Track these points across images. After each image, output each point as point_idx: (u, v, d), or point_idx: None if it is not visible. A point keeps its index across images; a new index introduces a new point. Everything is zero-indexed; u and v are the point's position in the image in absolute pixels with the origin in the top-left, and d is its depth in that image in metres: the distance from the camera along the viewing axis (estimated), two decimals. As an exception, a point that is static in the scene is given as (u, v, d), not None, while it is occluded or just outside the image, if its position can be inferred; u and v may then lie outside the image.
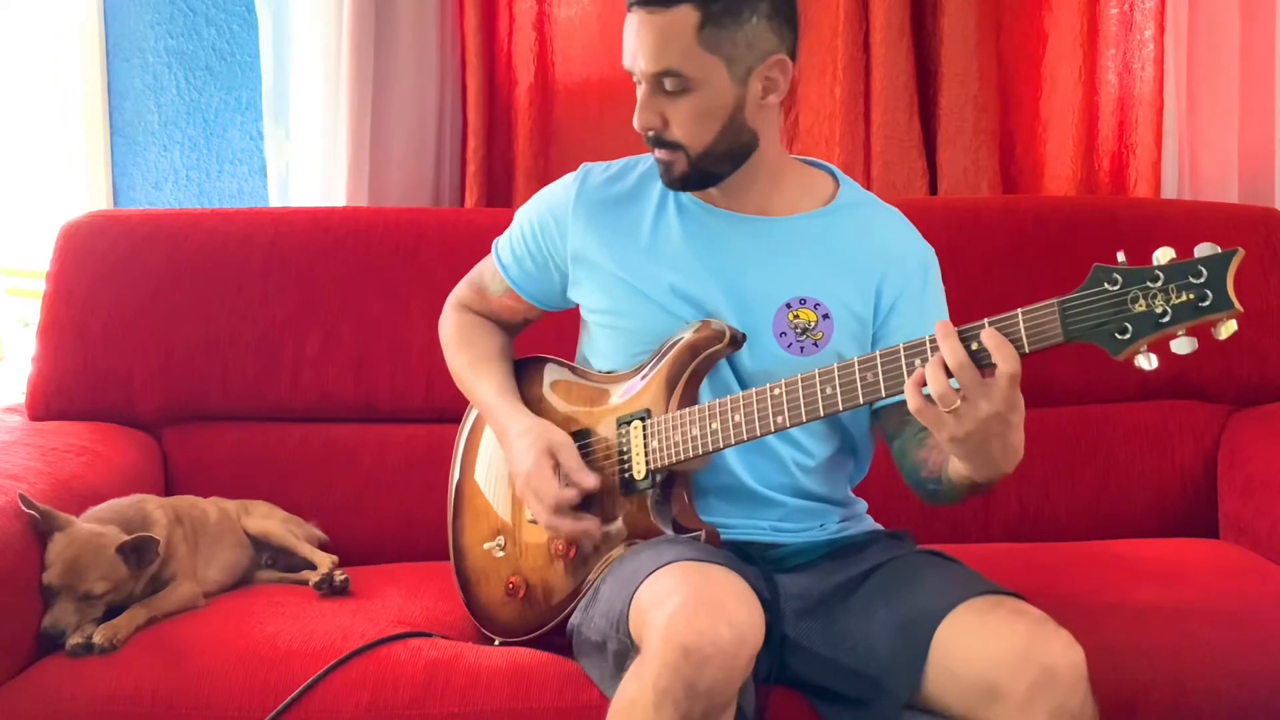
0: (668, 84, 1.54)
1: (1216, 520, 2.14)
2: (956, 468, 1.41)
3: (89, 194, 2.66)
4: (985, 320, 1.33)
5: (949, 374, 1.32)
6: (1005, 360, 1.29)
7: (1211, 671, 1.60)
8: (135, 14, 2.63)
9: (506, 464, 1.72)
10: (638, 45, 1.54)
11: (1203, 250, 1.24)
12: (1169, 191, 2.47)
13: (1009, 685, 1.34)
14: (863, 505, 1.76)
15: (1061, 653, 1.35)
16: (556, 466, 1.61)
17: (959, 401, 1.31)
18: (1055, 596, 1.62)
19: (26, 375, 2.25)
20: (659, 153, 1.61)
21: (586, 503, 1.62)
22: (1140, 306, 1.25)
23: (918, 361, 1.37)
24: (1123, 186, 2.54)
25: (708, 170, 1.61)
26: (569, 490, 1.59)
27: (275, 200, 2.56)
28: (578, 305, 1.76)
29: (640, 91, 1.57)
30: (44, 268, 2.27)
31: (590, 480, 1.60)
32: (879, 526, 1.75)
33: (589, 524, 1.60)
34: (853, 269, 1.64)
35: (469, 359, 1.80)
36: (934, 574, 1.54)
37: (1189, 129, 2.45)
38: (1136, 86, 2.53)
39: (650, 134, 1.59)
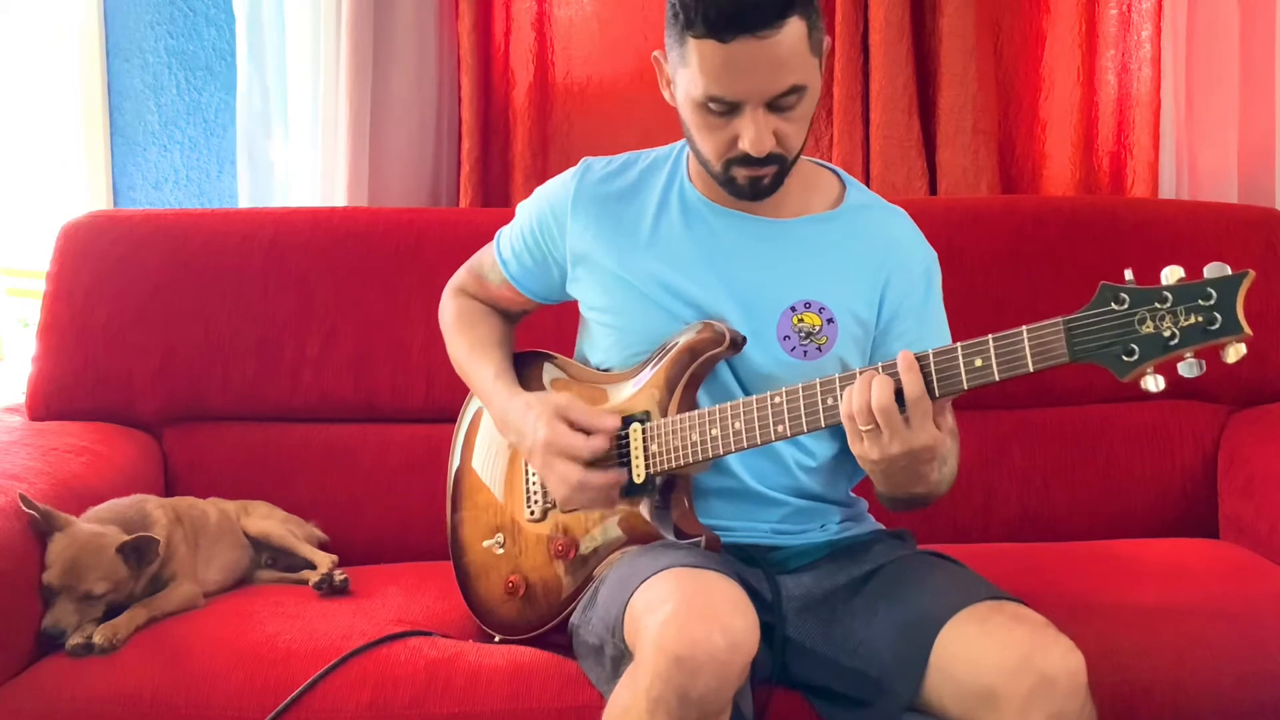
0: (789, 100, 1.48)
1: (1216, 520, 2.14)
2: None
3: (89, 194, 2.66)
4: (990, 337, 1.33)
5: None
6: (909, 385, 1.36)
7: (1211, 671, 1.60)
8: (135, 14, 2.63)
9: (507, 452, 1.72)
10: (753, 72, 1.45)
11: (1212, 271, 1.23)
12: (1167, 191, 2.47)
13: (1007, 691, 1.34)
14: (863, 504, 1.76)
15: (1060, 660, 1.34)
16: (570, 426, 1.59)
17: (871, 425, 1.38)
18: (1055, 597, 1.62)
19: (26, 375, 2.25)
20: (761, 170, 1.53)
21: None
22: (1148, 328, 1.25)
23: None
24: (1121, 187, 2.54)
25: (788, 173, 1.57)
26: (597, 441, 1.57)
27: (245, 201, 2.56)
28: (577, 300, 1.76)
29: (750, 115, 1.47)
30: (44, 268, 2.27)
31: (611, 420, 1.58)
32: (880, 526, 1.74)
33: (618, 473, 1.58)
34: (858, 273, 1.63)
35: (468, 343, 1.79)
36: (936, 577, 1.54)
37: (1187, 129, 2.44)
38: (1135, 87, 2.53)
39: (758, 157, 1.50)
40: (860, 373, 1.41)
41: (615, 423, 1.58)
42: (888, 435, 1.37)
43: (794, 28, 1.45)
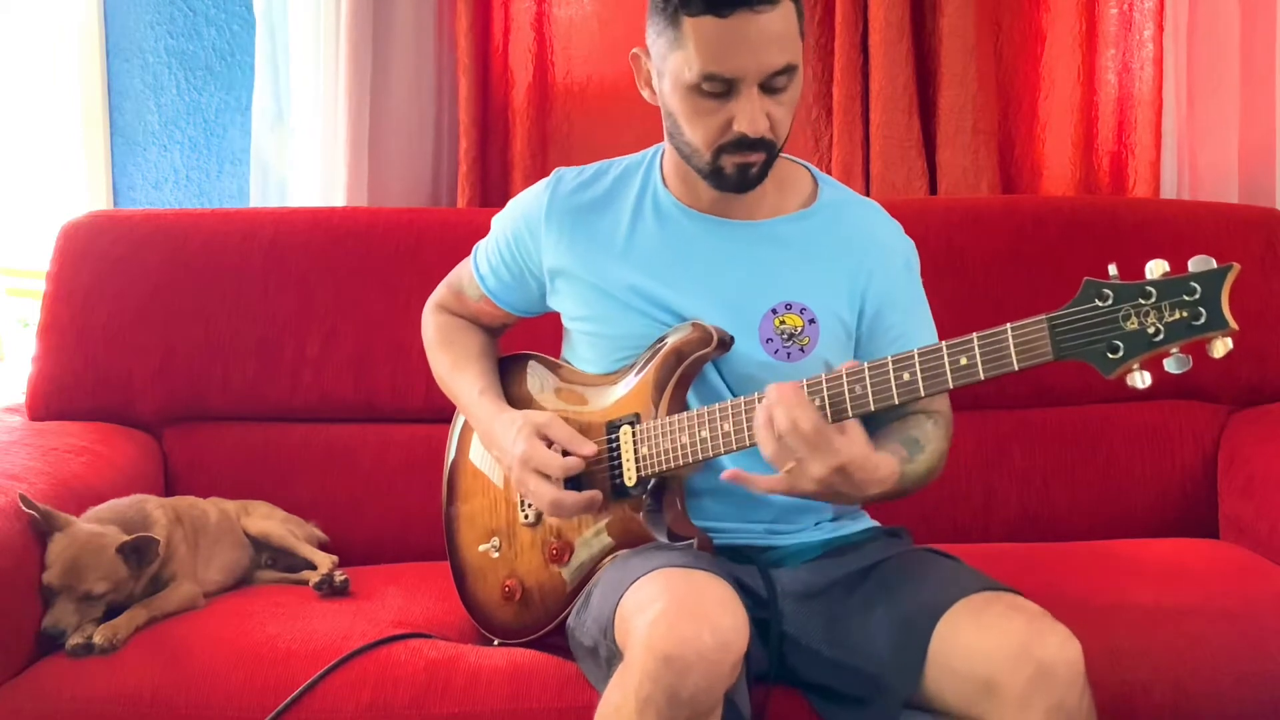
0: (780, 80, 1.48)
1: (1216, 520, 2.14)
2: None
3: (89, 194, 2.66)
4: (975, 335, 1.32)
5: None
6: (802, 419, 1.36)
7: (1211, 671, 1.60)
8: (135, 14, 2.63)
9: (497, 463, 1.71)
10: (750, 47, 1.45)
11: (1197, 264, 1.22)
12: (1168, 191, 2.47)
13: (1006, 681, 1.34)
14: (856, 500, 1.75)
15: (1059, 648, 1.34)
16: (549, 444, 1.59)
17: (792, 462, 1.37)
18: (1055, 596, 1.62)
19: (26, 375, 2.25)
20: (752, 155, 1.52)
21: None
22: (1132, 324, 1.24)
23: (905, 374, 1.36)
24: (1122, 187, 2.54)
25: (773, 164, 1.57)
26: (572, 459, 1.56)
27: (257, 200, 2.56)
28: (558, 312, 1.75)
29: (745, 95, 1.47)
30: (44, 268, 2.27)
31: (589, 447, 1.57)
32: (875, 523, 1.74)
33: (594, 494, 1.57)
34: (838, 271, 1.62)
35: (450, 360, 1.79)
36: (933, 571, 1.54)
37: (1188, 129, 2.45)
38: (1135, 86, 2.53)
39: (754, 137, 1.50)
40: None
41: (592, 450, 1.58)
42: (806, 458, 1.37)
43: (787, 5, 1.47)
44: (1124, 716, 1.56)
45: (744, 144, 1.51)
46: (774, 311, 1.60)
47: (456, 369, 1.77)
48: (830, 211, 1.66)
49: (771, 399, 1.39)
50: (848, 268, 1.63)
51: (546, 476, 1.57)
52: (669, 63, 1.51)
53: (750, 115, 1.48)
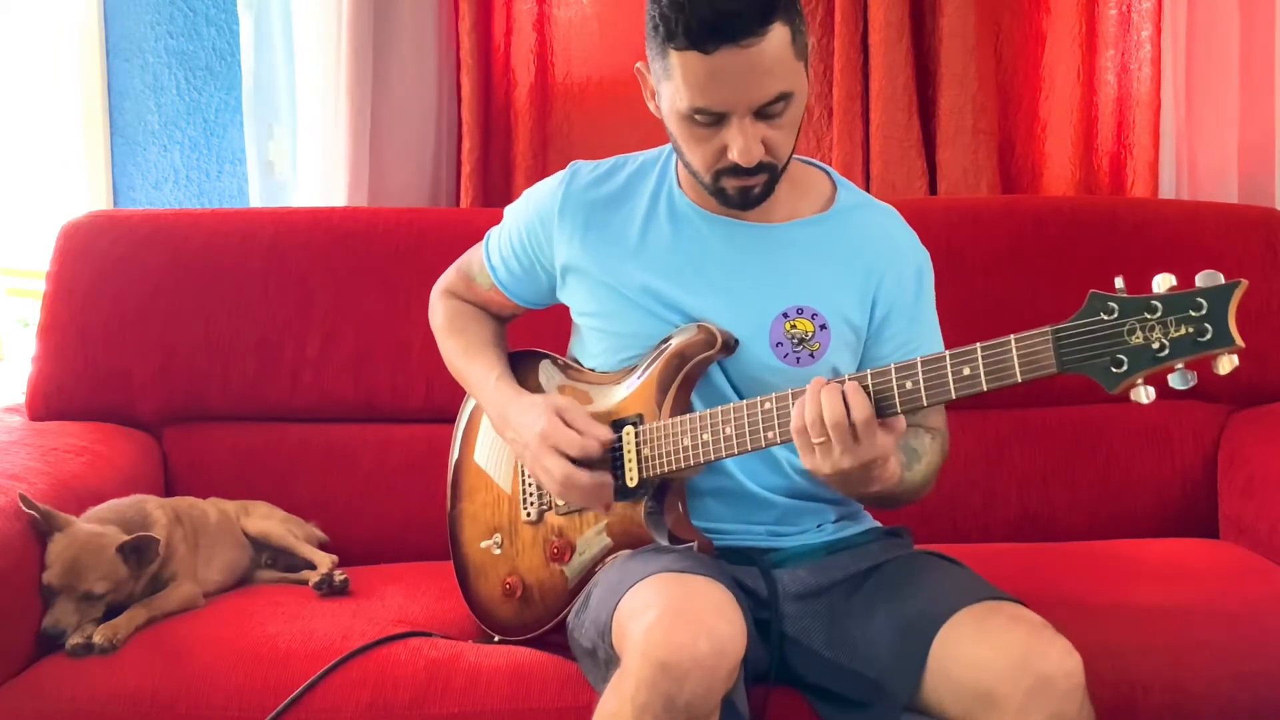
0: (776, 107, 1.46)
1: (1216, 520, 2.14)
2: None
3: (89, 194, 2.66)
4: (979, 346, 1.32)
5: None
6: (856, 408, 1.35)
7: (1211, 671, 1.60)
8: (135, 14, 2.63)
9: (507, 452, 1.71)
10: (738, 82, 1.43)
11: (1204, 280, 1.21)
12: (1167, 191, 2.48)
13: (1006, 692, 1.34)
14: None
15: (1059, 661, 1.34)
16: (568, 426, 1.58)
17: (823, 439, 1.37)
18: (1055, 597, 1.63)
19: (26, 375, 2.25)
20: (751, 180, 1.51)
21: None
22: (1137, 338, 1.23)
23: (909, 383, 1.36)
24: (1121, 187, 2.54)
25: (778, 180, 1.55)
26: (590, 441, 1.55)
27: (257, 201, 2.56)
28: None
29: (738, 125, 1.45)
30: (44, 268, 2.27)
31: (605, 432, 1.57)
32: (877, 524, 1.73)
33: (605, 476, 1.56)
34: (850, 277, 1.61)
35: (462, 345, 1.78)
36: (934, 577, 1.53)
37: (1187, 129, 2.45)
38: (1134, 87, 2.53)
39: (748, 167, 1.48)
40: (811, 385, 1.40)
41: (607, 433, 1.57)
42: (839, 450, 1.36)
43: (777, 34, 1.43)
44: (1124, 716, 1.56)
45: (740, 170, 1.50)
46: (785, 316, 1.59)
47: (469, 355, 1.76)
48: (846, 216, 1.65)
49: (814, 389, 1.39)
50: (860, 271, 1.62)
51: (562, 455, 1.56)
52: (663, 88, 1.51)
53: (742, 146, 1.46)
